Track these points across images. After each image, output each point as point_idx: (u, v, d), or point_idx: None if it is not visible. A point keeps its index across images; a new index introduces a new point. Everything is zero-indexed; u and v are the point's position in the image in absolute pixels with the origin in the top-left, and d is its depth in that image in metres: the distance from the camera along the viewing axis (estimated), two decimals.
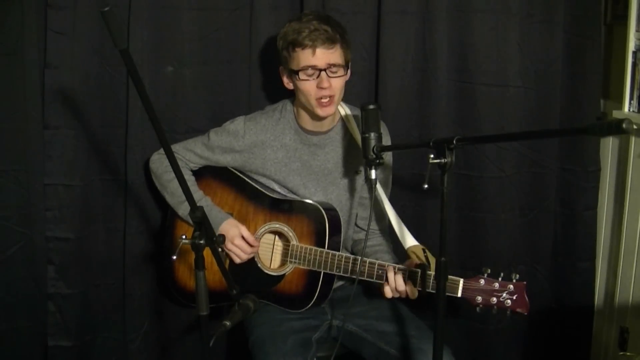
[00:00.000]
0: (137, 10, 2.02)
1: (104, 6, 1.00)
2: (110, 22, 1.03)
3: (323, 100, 1.77)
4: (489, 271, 1.64)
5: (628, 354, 2.05)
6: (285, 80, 1.86)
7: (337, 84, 1.78)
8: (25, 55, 2.00)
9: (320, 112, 1.80)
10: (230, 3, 2.12)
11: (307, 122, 1.89)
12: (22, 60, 1.99)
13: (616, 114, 2.19)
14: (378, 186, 1.83)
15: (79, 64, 2.04)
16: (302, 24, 1.74)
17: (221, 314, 1.95)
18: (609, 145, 2.32)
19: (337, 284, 1.96)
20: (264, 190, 1.92)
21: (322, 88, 1.75)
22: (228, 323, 1.44)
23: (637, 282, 2.16)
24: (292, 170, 1.91)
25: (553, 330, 2.39)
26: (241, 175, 1.96)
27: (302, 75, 1.76)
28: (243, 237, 1.85)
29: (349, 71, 1.85)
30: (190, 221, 1.88)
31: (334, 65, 1.76)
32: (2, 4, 1.95)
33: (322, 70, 1.74)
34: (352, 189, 1.95)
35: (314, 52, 1.73)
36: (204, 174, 1.98)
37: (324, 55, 1.74)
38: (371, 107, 1.68)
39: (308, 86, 1.77)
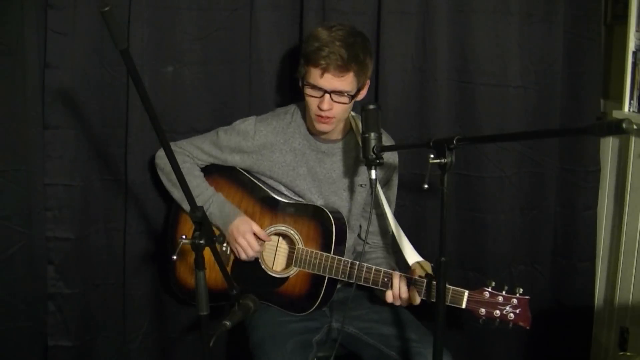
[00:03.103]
0: (137, 10, 2.02)
1: (104, 6, 1.00)
2: (110, 22, 1.03)
3: (321, 118, 1.77)
4: (493, 284, 1.65)
5: (628, 354, 2.05)
6: (300, 80, 1.83)
7: (338, 108, 1.75)
8: (25, 55, 2.00)
9: (318, 126, 1.80)
10: (230, 3, 2.11)
11: (315, 129, 1.89)
12: (22, 60, 1.99)
13: (616, 114, 2.19)
14: (382, 197, 1.83)
15: (79, 64, 2.04)
16: (327, 37, 1.70)
17: (221, 314, 1.96)
18: (609, 145, 2.32)
19: (337, 285, 1.95)
20: (271, 192, 1.92)
21: (320, 108, 1.74)
22: (228, 323, 1.44)
23: (637, 282, 2.16)
24: (299, 174, 1.91)
25: (553, 330, 2.39)
26: (249, 175, 1.95)
27: (307, 90, 1.75)
28: (254, 234, 1.85)
29: (363, 92, 1.82)
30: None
31: (340, 92, 1.73)
32: (2, 4, 1.95)
33: (327, 93, 1.73)
34: (354, 201, 1.94)
35: (322, 75, 1.70)
36: (211, 172, 1.98)
37: (332, 80, 1.71)
38: (371, 107, 1.68)
39: (311, 101, 1.76)
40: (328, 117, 1.76)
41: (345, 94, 1.74)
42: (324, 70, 1.70)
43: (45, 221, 2.10)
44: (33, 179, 2.07)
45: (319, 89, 1.73)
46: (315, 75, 1.72)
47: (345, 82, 1.72)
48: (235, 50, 2.15)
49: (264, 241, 1.88)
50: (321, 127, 1.80)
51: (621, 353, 2.18)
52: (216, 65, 2.15)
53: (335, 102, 1.74)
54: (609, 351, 2.34)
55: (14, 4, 1.96)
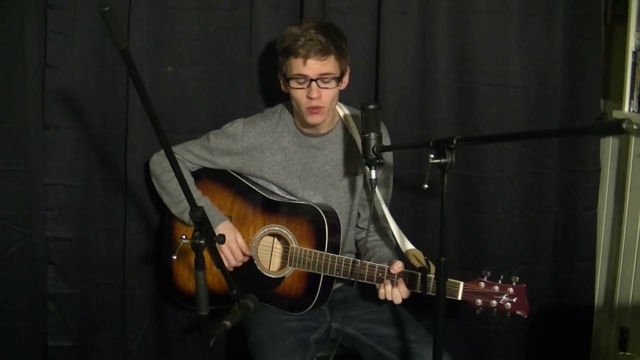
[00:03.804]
0: (137, 10, 2.02)
1: (104, 6, 1.00)
2: (110, 22, 1.03)
3: (312, 109, 1.77)
4: (489, 274, 1.64)
5: (628, 354, 2.05)
6: (282, 83, 1.86)
7: (327, 95, 1.76)
8: (25, 55, 2.00)
9: (310, 119, 1.80)
10: (230, 3, 2.12)
11: (304, 124, 1.89)
12: (22, 60, 2.00)
13: (616, 114, 2.19)
14: (377, 190, 1.83)
15: (79, 64, 2.04)
16: (300, 30, 1.73)
17: (221, 314, 1.96)
18: (609, 145, 2.32)
19: (336, 285, 1.95)
20: (262, 193, 1.92)
21: (311, 98, 1.75)
22: (228, 323, 1.44)
23: (637, 282, 2.16)
24: (291, 173, 1.91)
25: (553, 330, 2.39)
26: (240, 177, 1.95)
27: (292, 83, 1.76)
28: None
29: (345, 79, 1.84)
30: (185, 220, 1.89)
31: (326, 75, 1.74)
32: (2, 4, 1.95)
33: (313, 80, 1.74)
34: (352, 191, 1.94)
35: (305, 62, 1.72)
36: (202, 176, 1.98)
37: (315, 66, 1.73)
38: (371, 107, 1.68)
39: (299, 94, 1.77)
40: (319, 107, 1.77)
41: (330, 77, 1.75)
42: (306, 57, 1.72)
43: (45, 221, 2.10)
44: (33, 179, 2.07)
45: (304, 78, 1.74)
46: (298, 65, 1.73)
47: (328, 65, 1.74)
48: (235, 50, 2.15)
49: (247, 255, 1.88)
50: (314, 119, 1.80)
51: (621, 353, 2.18)
52: (216, 65, 2.15)
53: (322, 88, 1.75)
54: (609, 351, 2.34)
55: (14, 4, 1.96)
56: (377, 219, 1.98)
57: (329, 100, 1.78)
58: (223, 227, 1.86)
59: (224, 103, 2.18)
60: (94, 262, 2.19)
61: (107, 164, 2.17)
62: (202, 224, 1.32)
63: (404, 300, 1.73)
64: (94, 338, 2.24)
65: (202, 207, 1.31)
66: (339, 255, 1.80)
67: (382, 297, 1.73)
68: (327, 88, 1.76)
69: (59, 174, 2.09)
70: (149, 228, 2.19)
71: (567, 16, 2.20)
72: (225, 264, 1.86)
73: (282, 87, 1.86)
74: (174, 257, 1.79)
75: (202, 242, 1.32)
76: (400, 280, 1.71)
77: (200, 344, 1.40)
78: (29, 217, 2.08)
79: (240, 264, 1.89)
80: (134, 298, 2.20)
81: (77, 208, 2.12)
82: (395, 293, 1.71)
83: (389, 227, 1.91)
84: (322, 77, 1.74)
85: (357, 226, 2.03)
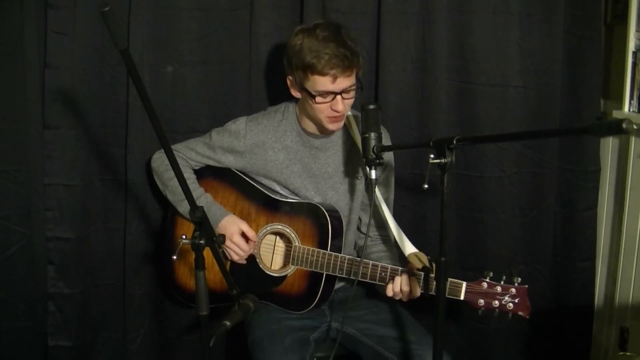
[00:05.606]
0: (137, 10, 2.02)
1: (104, 6, 1.00)
2: (110, 22, 1.02)
3: (334, 118, 1.77)
4: (491, 274, 1.65)
5: (628, 354, 2.05)
6: (294, 91, 1.82)
7: (349, 103, 1.78)
8: (25, 55, 2.00)
9: (331, 127, 1.80)
10: (230, 3, 2.12)
11: (309, 125, 1.89)
12: (22, 60, 1.99)
13: (616, 114, 2.19)
14: (378, 193, 1.83)
15: (79, 64, 2.04)
16: (319, 44, 1.67)
17: (221, 313, 1.96)
18: (609, 145, 2.32)
19: (338, 285, 1.96)
20: (265, 191, 1.92)
21: (336, 110, 1.74)
22: (228, 323, 1.44)
23: (637, 282, 2.16)
24: (293, 172, 1.91)
25: (553, 330, 2.39)
26: (243, 175, 1.95)
27: (318, 99, 1.73)
28: (243, 234, 1.85)
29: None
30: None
31: (351, 86, 1.74)
32: (2, 4, 1.95)
33: (337, 94, 1.72)
34: (352, 194, 1.94)
35: (334, 80, 1.70)
36: (205, 174, 1.98)
37: (342, 82, 1.71)
38: (371, 107, 1.68)
39: (322, 107, 1.75)
40: (342, 115, 1.77)
41: (353, 87, 1.75)
42: (335, 77, 1.69)
43: (45, 221, 2.10)
44: (33, 179, 2.07)
45: (331, 93, 1.72)
46: (325, 83, 1.70)
47: (352, 77, 1.74)
48: (235, 50, 2.15)
49: (254, 242, 1.88)
50: (335, 126, 1.80)
51: (621, 353, 2.18)
52: (216, 65, 2.15)
53: (346, 99, 1.75)
54: (609, 351, 2.34)
55: (14, 4, 1.96)
56: (382, 227, 1.97)
57: (349, 107, 1.79)
58: (225, 222, 1.86)
59: (224, 103, 2.18)
60: (94, 262, 2.19)
61: (107, 164, 2.17)
62: (202, 224, 1.32)
63: (408, 301, 1.73)
64: (94, 338, 2.24)
65: (201, 207, 1.31)
66: (342, 254, 1.80)
67: (389, 293, 1.72)
68: (349, 99, 1.76)
69: (59, 174, 2.09)
70: (149, 228, 2.19)
71: (567, 16, 2.21)
72: (234, 257, 1.86)
73: (293, 92, 1.82)
74: (174, 257, 1.79)
75: (202, 242, 1.32)
76: (414, 279, 1.70)
77: (200, 344, 1.40)
78: (29, 217, 2.08)
79: (247, 255, 1.88)
80: (134, 298, 2.20)
81: (77, 208, 2.12)
82: (404, 282, 1.70)
83: (389, 235, 1.91)
84: (346, 90, 1.74)
85: (359, 230, 2.02)
